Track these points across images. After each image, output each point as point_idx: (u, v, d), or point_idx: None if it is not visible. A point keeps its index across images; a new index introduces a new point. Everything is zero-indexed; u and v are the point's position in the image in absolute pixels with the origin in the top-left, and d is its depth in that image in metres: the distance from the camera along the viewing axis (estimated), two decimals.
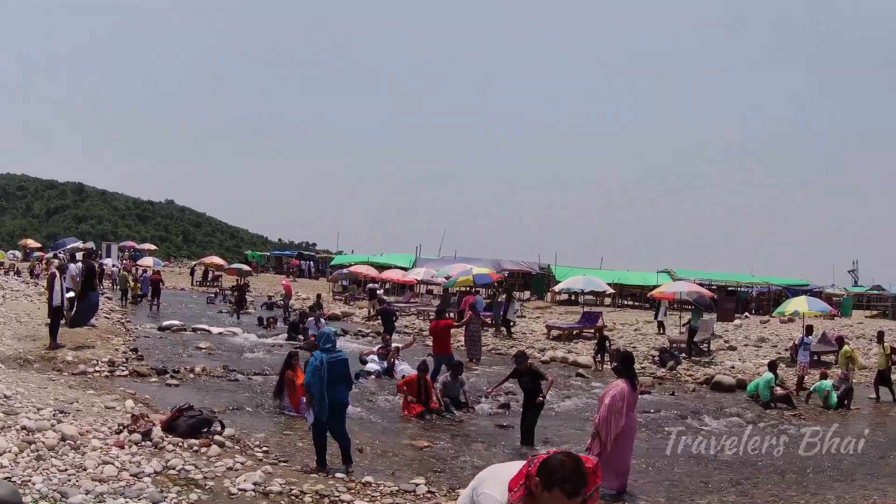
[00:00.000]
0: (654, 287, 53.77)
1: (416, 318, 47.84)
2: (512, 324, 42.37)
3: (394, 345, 28.46)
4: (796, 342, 31.63)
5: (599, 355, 32.71)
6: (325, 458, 14.42)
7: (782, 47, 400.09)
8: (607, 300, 67.81)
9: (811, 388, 27.14)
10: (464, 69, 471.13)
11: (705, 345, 36.57)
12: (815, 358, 33.21)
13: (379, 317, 37.37)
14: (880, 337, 29.85)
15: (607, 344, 33.53)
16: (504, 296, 44.02)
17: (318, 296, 49.97)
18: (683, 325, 39.61)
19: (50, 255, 60.67)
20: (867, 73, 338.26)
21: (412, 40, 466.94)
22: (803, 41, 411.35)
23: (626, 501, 13.71)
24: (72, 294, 26.91)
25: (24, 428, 12.92)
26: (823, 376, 27.69)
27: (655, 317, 42.80)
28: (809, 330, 31.12)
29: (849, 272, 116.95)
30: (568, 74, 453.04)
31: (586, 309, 49.30)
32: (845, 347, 29.12)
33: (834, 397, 25.90)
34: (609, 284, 59.22)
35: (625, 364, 14.74)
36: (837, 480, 16.25)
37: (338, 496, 12.17)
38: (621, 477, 14.04)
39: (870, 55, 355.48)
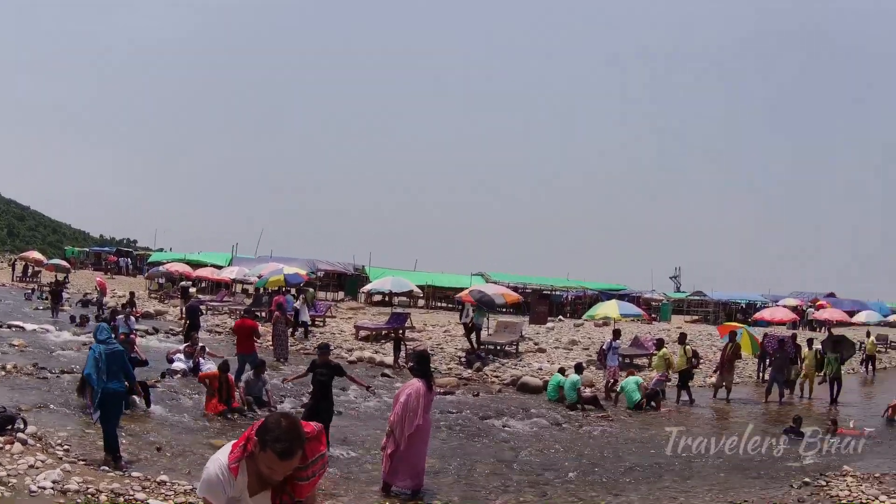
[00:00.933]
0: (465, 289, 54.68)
1: (228, 318, 47.48)
2: (308, 325, 42.53)
3: (200, 344, 28.48)
4: (604, 346, 32.27)
5: (394, 356, 33.20)
6: (118, 445, 14.75)
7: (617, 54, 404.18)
8: (420, 301, 68.56)
9: (619, 387, 27.89)
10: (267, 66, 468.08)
11: (513, 346, 37.18)
12: (628, 361, 34.31)
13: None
14: (682, 339, 30.78)
15: (402, 345, 34.06)
16: (301, 298, 44.30)
17: (132, 294, 49.01)
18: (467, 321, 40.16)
19: None
20: (697, 81, 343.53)
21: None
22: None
23: (420, 501, 13.86)
24: None
25: None
26: (630, 375, 28.53)
27: (461, 318, 43.50)
28: (617, 334, 31.87)
29: (671, 278, 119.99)
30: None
31: (397, 310, 49.63)
32: (663, 350, 29.67)
33: (636, 396, 26.56)
34: (421, 286, 59.93)
35: (420, 364, 14.87)
36: (644, 482, 16.69)
37: (132, 495, 12.16)
38: (416, 477, 14.17)
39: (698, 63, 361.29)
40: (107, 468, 13.75)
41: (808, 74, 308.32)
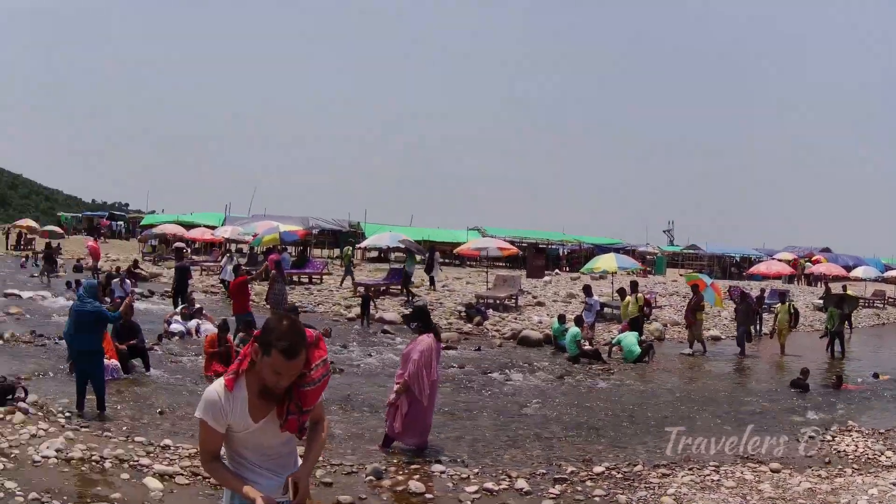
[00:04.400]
0: (462, 244, 54.69)
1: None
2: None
3: (197, 305, 28.31)
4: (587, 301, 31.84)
5: (364, 318, 32.36)
6: (83, 402, 15.26)
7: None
8: (417, 257, 67.73)
9: (613, 340, 27.94)
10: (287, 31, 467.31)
11: (512, 300, 37.21)
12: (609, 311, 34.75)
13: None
14: (633, 286, 30.67)
15: (373, 304, 33.66)
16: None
17: (135, 261, 48.82)
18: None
19: None
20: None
21: None
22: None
23: (427, 457, 13.71)
24: None
25: None
26: (625, 329, 28.49)
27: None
28: (588, 290, 31.90)
29: (664, 232, 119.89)
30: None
31: (394, 266, 49.48)
32: (627, 298, 29.90)
33: (636, 350, 26.60)
34: (418, 242, 59.78)
35: (422, 318, 14.70)
36: (648, 434, 16.67)
37: (137, 460, 12.03)
38: (423, 434, 14.06)
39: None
40: (109, 434, 13.63)
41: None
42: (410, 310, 19.98)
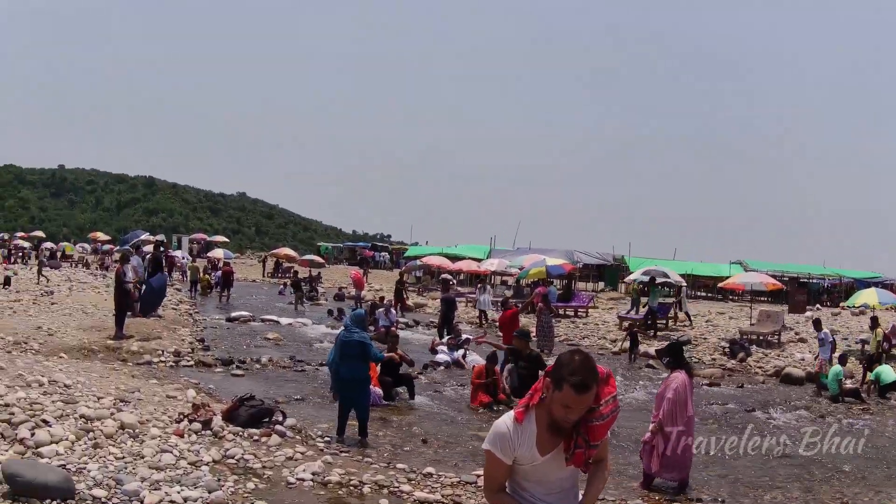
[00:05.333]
0: (726, 278, 53.84)
1: (490, 312, 47.05)
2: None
3: (464, 336, 28.40)
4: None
5: (632, 353, 31.92)
6: (344, 428, 15.60)
7: None
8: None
9: (872, 375, 26.83)
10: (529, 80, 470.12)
11: (775, 336, 36.14)
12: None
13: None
14: (874, 322, 29.72)
15: (638, 339, 33.05)
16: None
17: (401, 284, 48.67)
18: (643, 306, 39.63)
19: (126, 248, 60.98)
20: None
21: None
22: None
23: (688, 495, 13.47)
24: (130, 286, 26.98)
25: (82, 416, 12.91)
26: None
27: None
28: (818, 324, 30.58)
29: None
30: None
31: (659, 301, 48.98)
32: (877, 329, 28.98)
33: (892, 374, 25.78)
34: (681, 276, 58.98)
35: (674, 355, 14.46)
36: None
37: (398, 486, 12.09)
38: (683, 470, 13.74)
39: None
40: (370, 459, 13.77)
41: None
42: (664, 344, 19.67)
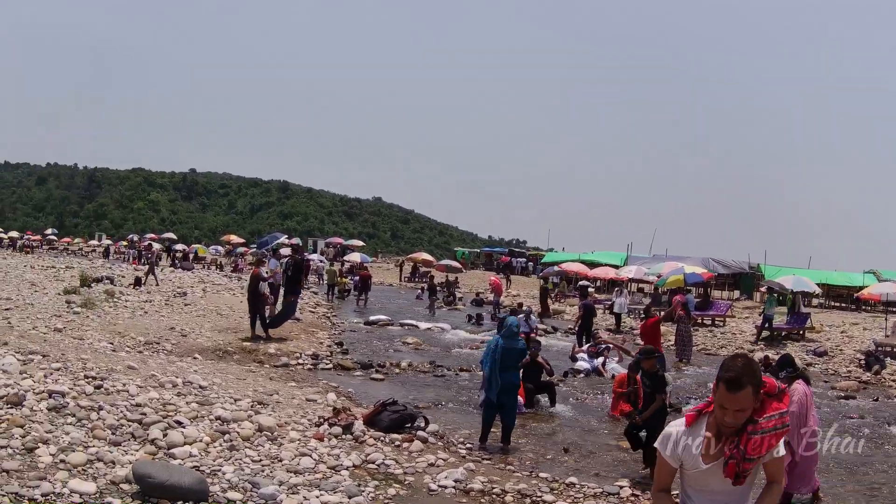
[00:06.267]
0: (861, 288, 54.16)
1: (625, 317, 46.84)
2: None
3: (605, 343, 27.93)
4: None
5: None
6: (488, 435, 15.40)
7: None
8: (814, 301, 65.37)
9: None
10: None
11: None
12: None
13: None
14: None
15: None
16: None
17: (545, 290, 49.50)
18: (759, 314, 38.92)
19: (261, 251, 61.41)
20: None
21: None
22: None
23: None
24: (266, 289, 26.87)
25: (218, 418, 12.92)
26: None
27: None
28: None
29: None
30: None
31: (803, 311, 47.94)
32: None
33: None
34: (816, 285, 57.97)
35: (790, 365, 14.04)
36: None
37: (540, 496, 11.79)
38: (809, 482, 13.25)
39: None
40: (512, 467, 13.52)
41: None
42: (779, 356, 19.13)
